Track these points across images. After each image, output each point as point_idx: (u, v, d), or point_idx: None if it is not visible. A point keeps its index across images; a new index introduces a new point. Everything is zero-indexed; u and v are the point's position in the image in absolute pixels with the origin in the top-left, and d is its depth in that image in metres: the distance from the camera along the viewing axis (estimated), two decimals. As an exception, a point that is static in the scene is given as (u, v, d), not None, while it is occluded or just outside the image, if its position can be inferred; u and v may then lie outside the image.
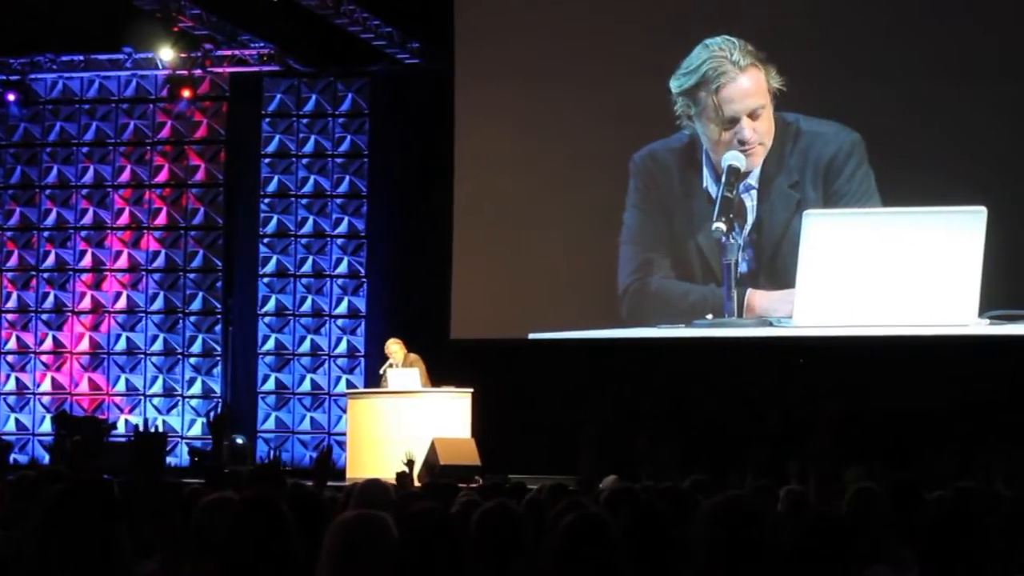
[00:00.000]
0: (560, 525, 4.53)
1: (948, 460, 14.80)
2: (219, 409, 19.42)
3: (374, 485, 7.03)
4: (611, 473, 10.44)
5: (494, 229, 17.78)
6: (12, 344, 20.27)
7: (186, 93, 19.71)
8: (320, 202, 19.59)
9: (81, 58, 20.11)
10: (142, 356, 19.93)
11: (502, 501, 5.33)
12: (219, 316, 19.84)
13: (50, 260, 20.25)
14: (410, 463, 12.83)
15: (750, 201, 16.52)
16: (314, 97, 19.70)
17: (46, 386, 20.10)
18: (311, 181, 19.62)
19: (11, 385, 20.20)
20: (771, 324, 16.38)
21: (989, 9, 16.38)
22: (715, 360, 16.64)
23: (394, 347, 16.60)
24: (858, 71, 16.55)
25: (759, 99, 16.52)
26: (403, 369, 16.34)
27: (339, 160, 19.58)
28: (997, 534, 4.81)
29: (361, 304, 19.37)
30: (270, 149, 19.78)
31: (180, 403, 19.80)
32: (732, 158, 16.31)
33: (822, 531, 4.80)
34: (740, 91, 16.60)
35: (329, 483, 12.32)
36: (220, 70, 19.76)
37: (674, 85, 16.82)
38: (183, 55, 19.17)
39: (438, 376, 16.44)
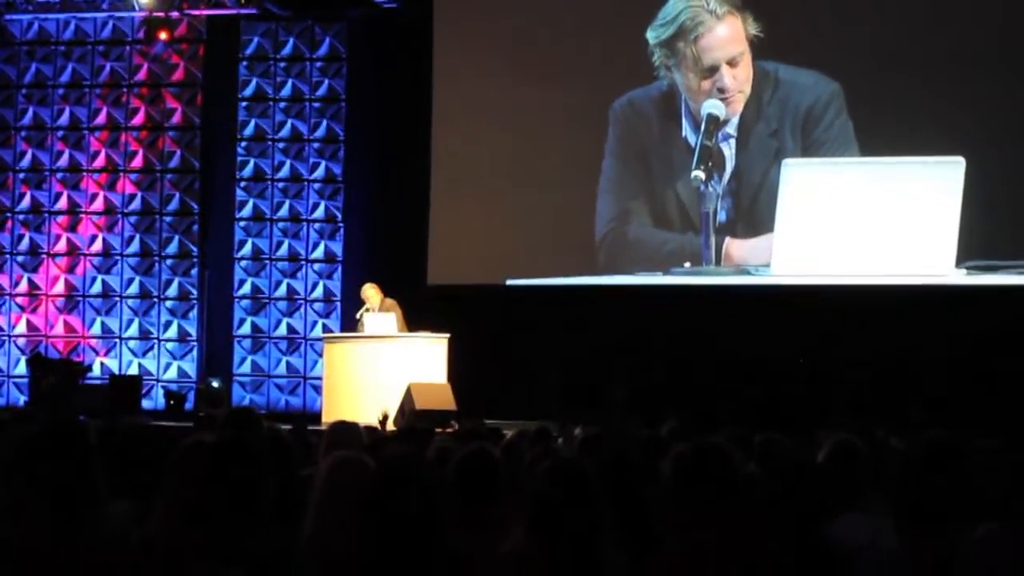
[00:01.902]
0: (538, 470, 4.54)
1: (923, 409, 14.87)
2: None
3: (344, 427, 7.03)
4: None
5: (472, 175, 17.76)
6: (-13, 286, 20.22)
7: (163, 35, 19.59)
8: (297, 146, 19.53)
9: (57, -1, 20.00)
10: (118, 299, 19.88)
11: (481, 445, 5.34)
12: (195, 259, 19.79)
13: (25, 202, 20.16)
14: (384, 419, 12.84)
15: (729, 150, 16.52)
16: (291, 41, 19.61)
17: (21, 328, 20.05)
18: (288, 125, 19.56)
19: (-14, 327, 20.16)
20: (749, 273, 16.41)
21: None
22: (692, 308, 16.66)
23: (370, 292, 16.59)
24: (837, 19, 16.54)
25: (737, 46, 16.49)
26: (380, 314, 16.34)
27: (316, 104, 19.52)
28: (968, 482, 4.83)
29: (338, 249, 19.35)
30: (247, 93, 19.69)
31: (156, 346, 19.77)
32: (711, 106, 16.30)
33: (795, 479, 4.82)
34: (718, 39, 16.57)
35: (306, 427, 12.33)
36: (197, 12, 19.65)
37: (651, 36, 16.79)
38: (160, -3, 19.07)
39: (414, 321, 16.44)
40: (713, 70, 16.45)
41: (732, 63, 16.44)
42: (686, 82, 16.64)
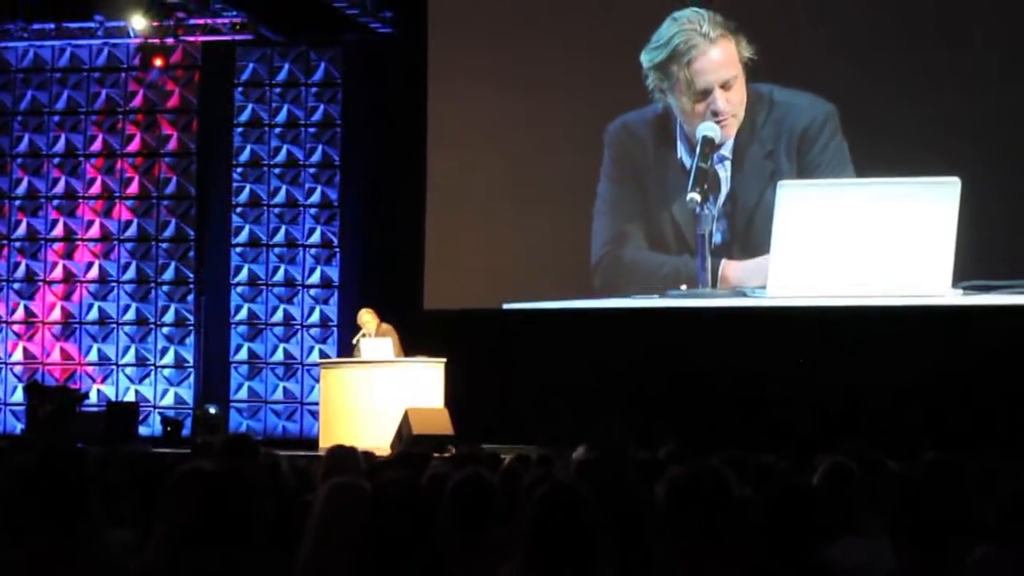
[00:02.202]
0: (534, 495, 4.54)
1: (920, 431, 14.87)
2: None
3: (343, 451, 7.03)
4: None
5: (468, 199, 17.77)
6: (-16, 313, 20.22)
7: (158, 62, 19.60)
8: (293, 172, 19.54)
9: (52, 26, 19.98)
10: (114, 326, 19.87)
11: (477, 470, 5.34)
12: (191, 286, 19.79)
13: (21, 229, 20.16)
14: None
15: (724, 172, 16.54)
16: (287, 66, 19.64)
17: (18, 356, 20.04)
18: (284, 151, 19.58)
19: (-17, 354, 20.15)
20: (745, 295, 16.41)
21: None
22: (689, 331, 16.66)
23: (367, 316, 16.59)
24: (831, 41, 16.57)
25: (731, 70, 16.52)
26: (376, 339, 16.34)
27: (312, 130, 19.54)
28: (965, 504, 4.83)
29: (334, 274, 19.35)
30: (242, 118, 19.72)
31: (152, 372, 19.76)
32: (706, 129, 16.31)
33: (791, 503, 4.82)
34: (711, 63, 16.60)
35: (302, 453, 12.34)
36: (192, 39, 19.66)
37: (645, 60, 16.81)
38: (155, 24, 19.06)
39: (411, 346, 16.43)
40: (706, 93, 16.47)
41: (725, 86, 16.46)
42: (680, 105, 16.66)
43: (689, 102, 16.56)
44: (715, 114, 16.40)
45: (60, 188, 20.09)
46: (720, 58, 16.54)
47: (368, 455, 8.12)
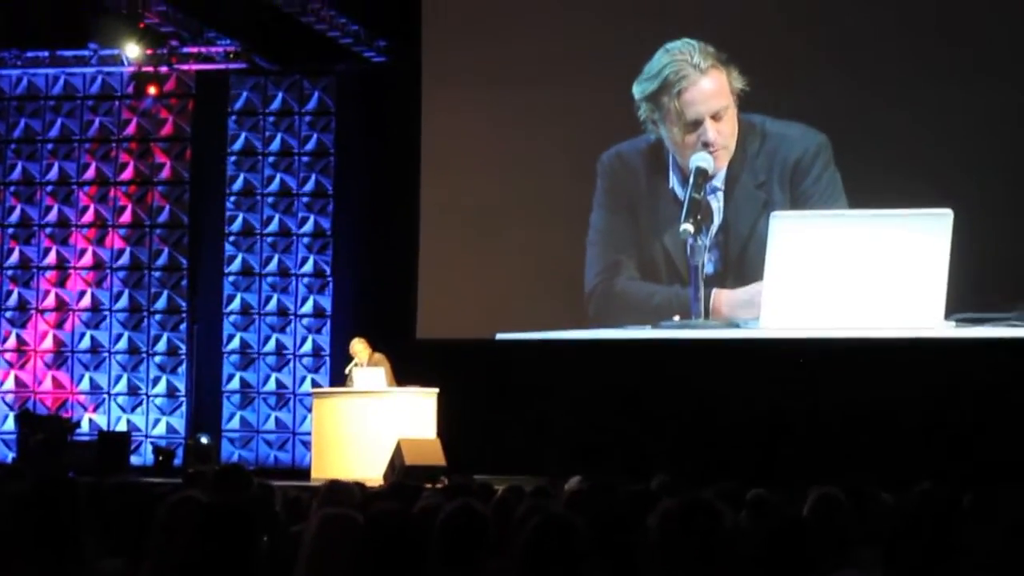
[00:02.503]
0: (527, 526, 4.52)
1: (914, 462, 14.85)
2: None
3: (339, 486, 7.02)
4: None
5: (461, 228, 17.77)
6: (-25, 341, 20.19)
7: (152, 90, 19.61)
8: (286, 200, 19.55)
9: (46, 54, 19.98)
10: (106, 354, 19.85)
11: (467, 501, 5.32)
12: (184, 314, 19.77)
13: (14, 257, 20.15)
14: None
15: (716, 203, 16.54)
16: (280, 95, 19.66)
17: (9, 384, 20.01)
18: (277, 179, 19.58)
19: (-26, 383, 20.12)
20: (738, 326, 16.40)
21: (957, 11, 16.42)
22: (682, 362, 16.66)
23: (359, 346, 16.57)
24: (823, 72, 16.60)
25: (721, 100, 16.53)
26: (368, 368, 16.32)
27: (305, 158, 19.54)
28: (959, 536, 4.82)
29: (327, 303, 19.33)
30: (236, 147, 19.72)
31: (144, 402, 19.73)
32: (700, 160, 16.31)
33: (784, 534, 4.80)
34: (702, 93, 16.61)
35: (294, 483, 12.31)
36: (186, 67, 19.68)
37: (637, 91, 16.83)
38: (149, 52, 19.09)
39: (404, 376, 16.41)
40: (697, 124, 16.48)
41: (716, 117, 16.47)
42: (671, 136, 16.66)
43: (680, 133, 16.57)
44: (706, 145, 16.40)
45: (53, 216, 20.09)
46: (711, 89, 16.56)
47: (360, 486, 8.10)
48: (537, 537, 4.45)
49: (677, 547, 4.55)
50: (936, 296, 15.65)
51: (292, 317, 19.42)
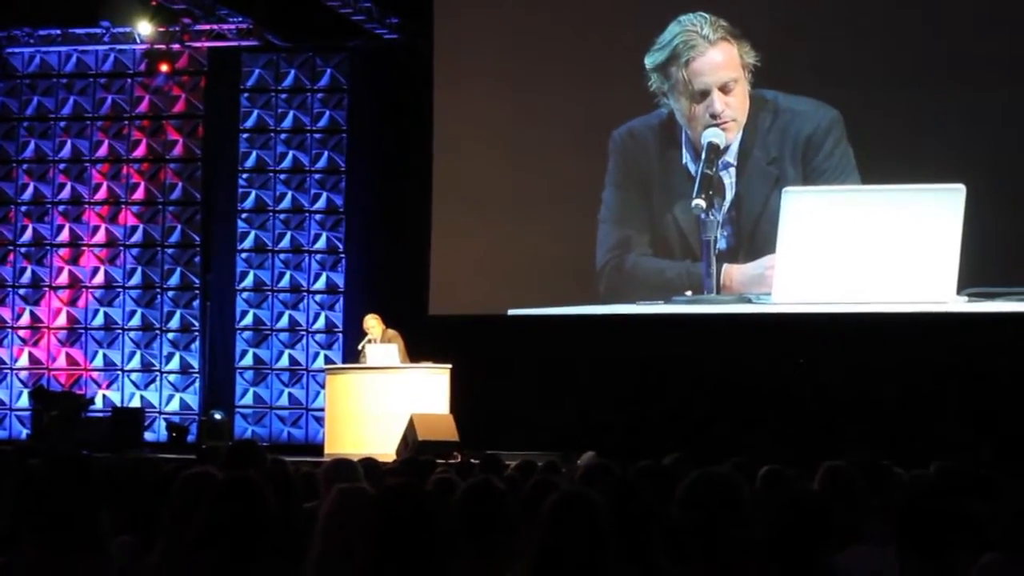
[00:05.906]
0: (545, 503, 4.52)
1: (927, 438, 14.87)
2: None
3: (342, 465, 7.01)
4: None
5: (473, 205, 17.76)
6: (-11, 319, 20.24)
7: (164, 68, 19.64)
8: (299, 177, 19.55)
9: (59, 32, 20.00)
10: (120, 331, 19.88)
11: (487, 477, 5.33)
12: (197, 291, 19.79)
13: (27, 235, 20.18)
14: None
15: (728, 178, 16.53)
16: (293, 72, 19.64)
17: (23, 361, 20.06)
18: (290, 156, 19.58)
19: (-12, 360, 20.17)
20: (750, 301, 16.40)
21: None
22: (694, 337, 16.65)
23: (372, 322, 16.58)
24: (835, 47, 16.56)
25: (731, 72, 16.52)
26: (381, 345, 16.33)
27: (318, 135, 19.54)
28: (972, 512, 4.83)
29: (339, 279, 19.34)
30: (248, 124, 19.72)
31: (158, 378, 19.76)
32: (712, 135, 16.31)
33: (799, 509, 4.81)
34: (710, 64, 16.62)
35: (307, 458, 12.34)
36: (198, 45, 19.68)
37: (648, 61, 16.84)
38: (161, 29, 19.11)
39: (416, 352, 16.43)
40: (704, 95, 16.48)
41: (724, 89, 16.45)
42: (680, 107, 16.66)
43: (688, 103, 16.57)
44: (713, 116, 16.39)
45: (66, 193, 20.11)
46: (719, 60, 16.55)
47: (373, 461, 8.11)
48: (558, 513, 4.44)
49: (696, 521, 4.56)
50: (948, 271, 15.63)
51: (305, 294, 19.44)
